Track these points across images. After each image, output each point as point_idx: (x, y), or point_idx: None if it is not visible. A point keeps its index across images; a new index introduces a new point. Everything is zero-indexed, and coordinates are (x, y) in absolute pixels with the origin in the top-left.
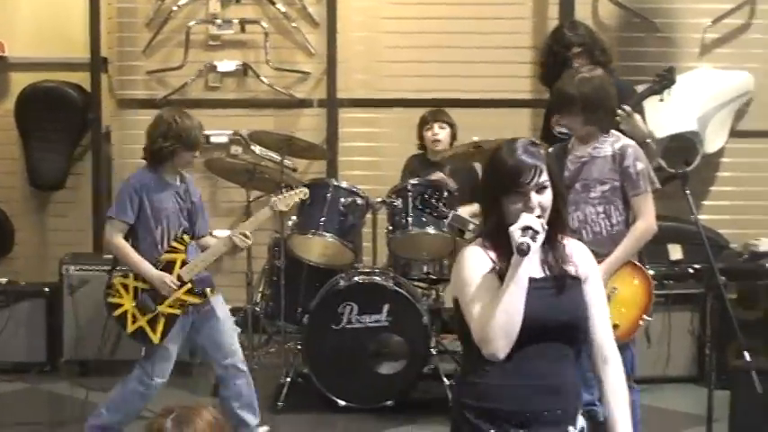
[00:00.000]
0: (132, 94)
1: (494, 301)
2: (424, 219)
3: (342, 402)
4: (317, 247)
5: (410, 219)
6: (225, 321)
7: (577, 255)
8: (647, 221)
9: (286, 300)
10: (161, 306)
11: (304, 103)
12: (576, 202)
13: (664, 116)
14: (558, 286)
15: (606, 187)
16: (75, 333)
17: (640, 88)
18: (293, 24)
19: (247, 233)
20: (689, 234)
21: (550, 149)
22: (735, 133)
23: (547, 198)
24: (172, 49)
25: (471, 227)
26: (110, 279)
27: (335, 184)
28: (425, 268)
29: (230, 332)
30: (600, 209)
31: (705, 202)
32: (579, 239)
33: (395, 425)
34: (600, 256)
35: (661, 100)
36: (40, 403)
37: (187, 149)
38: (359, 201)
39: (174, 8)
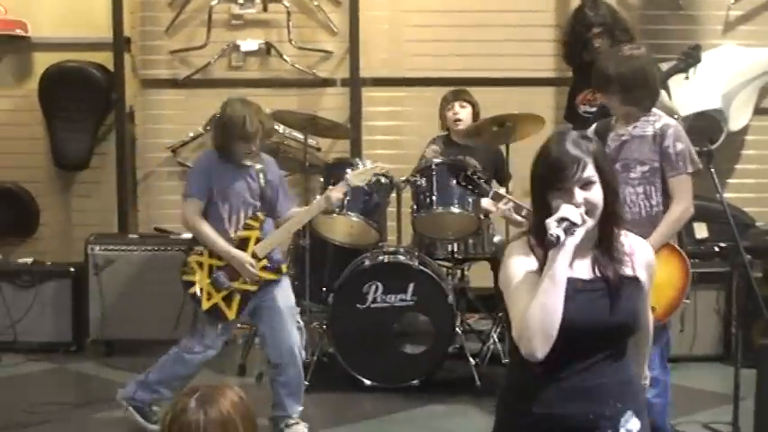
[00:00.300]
0: (155, 73)
1: (532, 298)
2: (448, 197)
3: (367, 382)
4: (342, 227)
5: (434, 198)
6: (285, 310)
7: (637, 252)
8: (683, 204)
9: (311, 279)
10: (236, 283)
11: (327, 83)
12: None
13: (688, 94)
14: (610, 288)
15: (646, 168)
16: (101, 313)
17: (664, 66)
18: (315, 3)
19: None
20: (714, 212)
21: (592, 127)
22: (759, 111)
23: (594, 195)
24: (194, 29)
25: (511, 205)
26: (185, 257)
27: (360, 162)
28: (450, 247)
29: (289, 322)
30: (639, 189)
31: (730, 180)
32: None
33: (421, 404)
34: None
35: (686, 78)
36: (66, 383)
37: (239, 140)
38: (383, 180)
39: None
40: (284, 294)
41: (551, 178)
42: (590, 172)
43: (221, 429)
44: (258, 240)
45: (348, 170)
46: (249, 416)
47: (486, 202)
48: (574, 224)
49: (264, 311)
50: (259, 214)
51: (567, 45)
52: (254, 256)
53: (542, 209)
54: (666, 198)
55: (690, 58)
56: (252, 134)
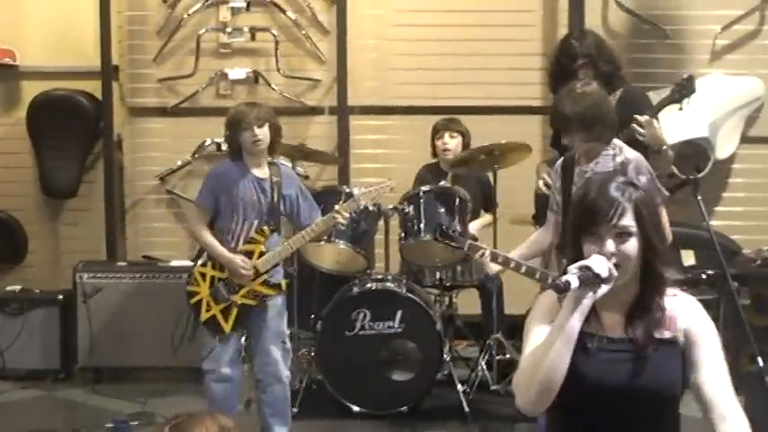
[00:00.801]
0: (143, 102)
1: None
2: (436, 225)
3: (356, 408)
4: (330, 254)
5: (422, 225)
6: (274, 331)
7: (684, 314)
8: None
9: (299, 306)
10: (235, 296)
11: (315, 111)
12: None
13: (675, 122)
14: (639, 350)
15: None
16: (90, 340)
17: (655, 96)
18: (303, 32)
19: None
20: (701, 240)
21: (558, 162)
22: (746, 139)
23: (629, 247)
24: (183, 57)
25: (487, 254)
26: (192, 268)
27: (347, 190)
28: (438, 274)
29: (275, 342)
30: None
31: (717, 208)
32: None
33: (409, 431)
34: None
35: (680, 109)
36: (55, 410)
37: (242, 129)
38: (371, 207)
39: (185, 16)
40: (276, 312)
41: (584, 221)
42: (628, 221)
43: None
44: (261, 254)
45: (354, 190)
46: None
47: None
48: (597, 276)
49: (254, 324)
50: (265, 228)
51: (552, 76)
52: (255, 270)
53: (574, 255)
54: None
55: (684, 89)
56: (254, 120)
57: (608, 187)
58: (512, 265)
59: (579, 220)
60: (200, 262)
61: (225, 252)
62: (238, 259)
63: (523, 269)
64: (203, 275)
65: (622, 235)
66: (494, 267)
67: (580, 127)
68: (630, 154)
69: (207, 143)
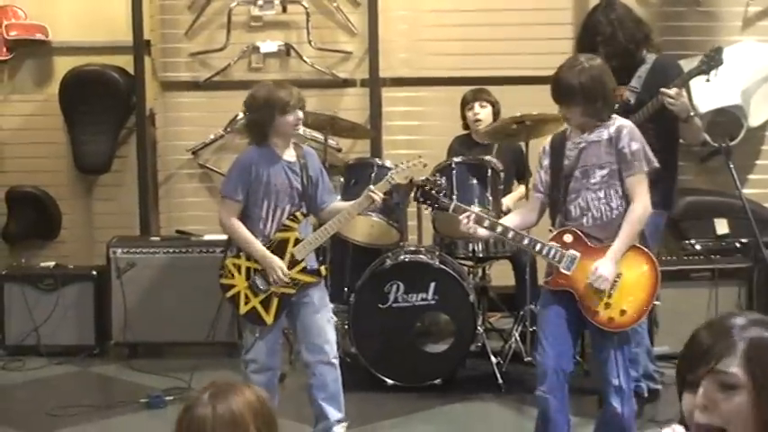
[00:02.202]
0: (175, 76)
1: None
2: (468, 195)
3: (389, 381)
4: (363, 227)
5: (455, 197)
6: (320, 308)
7: None
8: (642, 203)
9: (332, 280)
10: (274, 286)
11: (347, 83)
12: (578, 189)
13: (707, 91)
14: None
15: (605, 171)
16: (124, 316)
17: (686, 65)
18: (335, 4)
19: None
20: (735, 208)
21: (547, 140)
22: None
23: (733, 405)
24: (214, 31)
25: (473, 217)
26: (223, 259)
27: (379, 163)
28: (471, 246)
29: (324, 320)
30: (600, 194)
31: (750, 176)
32: (580, 227)
33: (443, 403)
34: (602, 243)
35: (708, 80)
36: (89, 386)
37: (284, 113)
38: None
39: None
40: (319, 292)
41: (683, 365)
42: (734, 370)
43: (231, 427)
44: (297, 241)
45: (389, 167)
46: (265, 417)
47: (468, 225)
48: None
49: (299, 309)
50: (298, 214)
51: (577, 48)
52: (292, 257)
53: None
54: (626, 201)
55: (712, 61)
56: (297, 103)
57: (723, 320)
58: (498, 230)
59: (679, 362)
60: (230, 253)
61: (265, 252)
62: (278, 263)
63: (510, 234)
64: (237, 267)
65: (726, 388)
66: (480, 231)
67: (582, 100)
68: (625, 122)
69: (239, 117)
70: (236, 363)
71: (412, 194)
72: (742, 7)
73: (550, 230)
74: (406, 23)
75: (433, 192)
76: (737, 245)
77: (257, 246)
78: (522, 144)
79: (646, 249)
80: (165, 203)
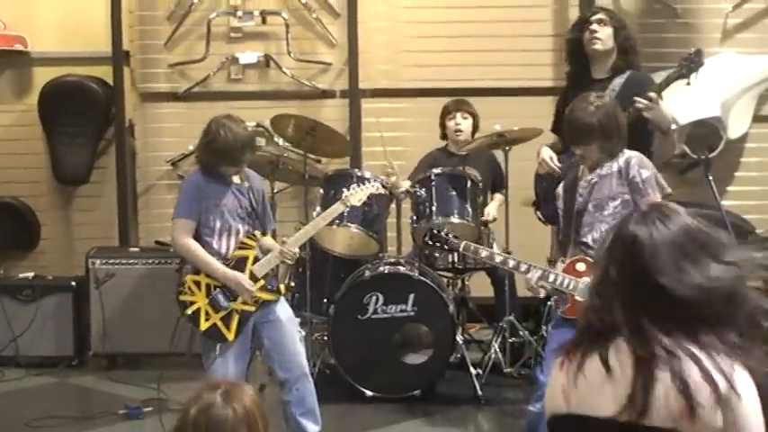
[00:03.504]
0: (155, 87)
1: None
2: (448, 207)
3: (369, 392)
4: (342, 238)
5: (434, 208)
6: (287, 323)
7: None
8: None
9: (312, 291)
10: (234, 303)
11: (326, 94)
12: (591, 222)
13: (686, 102)
14: None
15: (617, 202)
16: (102, 326)
17: (662, 74)
18: (314, 15)
19: (294, 250)
20: (713, 220)
21: (561, 185)
22: (758, 118)
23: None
24: (193, 42)
25: (484, 254)
26: (180, 276)
27: (359, 174)
28: (450, 257)
29: (293, 335)
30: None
31: (729, 188)
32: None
33: (422, 414)
34: None
35: (688, 84)
36: (68, 397)
37: (229, 164)
38: (382, 191)
39: (195, 0)
40: (284, 308)
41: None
42: None
43: (246, 424)
44: (256, 259)
45: (343, 189)
46: (264, 413)
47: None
48: None
49: (267, 327)
50: (256, 233)
51: (568, 42)
52: (252, 275)
53: None
54: None
55: (692, 63)
56: (243, 158)
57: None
58: (510, 265)
59: None
60: (189, 270)
61: (226, 270)
62: (243, 280)
63: (523, 267)
64: (197, 283)
65: None
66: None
67: (600, 137)
68: (633, 153)
69: None
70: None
71: (423, 238)
72: (721, 19)
73: (562, 261)
74: (386, 35)
75: (443, 233)
76: None
77: (217, 265)
78: (501, 154)
79: None
80: (145, 214)
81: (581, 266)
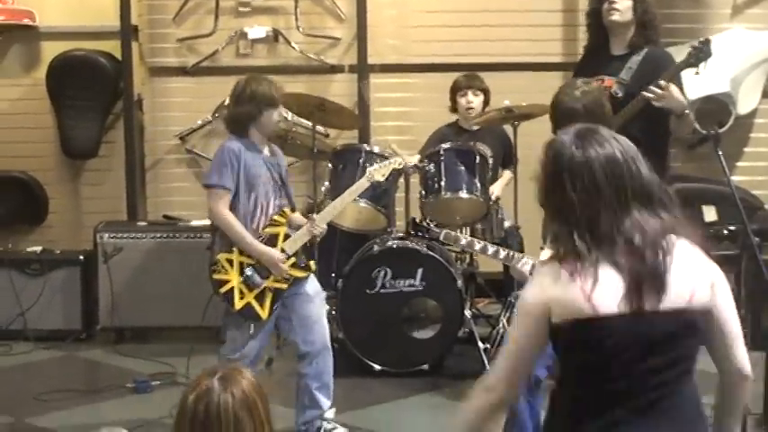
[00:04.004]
0: (163, 61)
1: None
2: (456, 182)
3: (377, 367)
4: (351, 213)
5: (443, 183)
6: (315, 298)
7: None
8: None
9: (320, 265)
10: (267, 281)
11: (335, 69)
12: None
13: (696, 78)
14: None
15: None
16: (110, 300)
17: (672, 50)
18: None
19: (323, 226)
20: (723, 195)
21: None
22: None
23: None
24: (202, 17)
25: (463, 241)
26: (212, 255)
27: (367, 149)
28: (458, 232)
29: (320, 309)
30: None
31: (739, 164)
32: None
33: (430, 389)
34: None
35: (697, 73)
36: (76, 371)
37: (272, 107)
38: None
39: None
40: (312, 283)
41: None
42: None
43: (246, 408)
44: (287, 237)
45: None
46: (264, 396)
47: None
48: None
49: (295, 300)
50: (286, 209)
51: (588, 14)
52: (283, 252)
53: None
54: None
55: (700, 53)
56: (279, 99)
57: None
58: (489, 251)
59: None
60: (220, 248)
61: (261, 246)
62: (279, 256)
63: (501, 255)
64: (230, 262)
65: None
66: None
67: (585, 122)
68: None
69: (227, 102)
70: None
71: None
72: None
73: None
74: (395, 9)
75: (424, 223)
76: (725, 232)
77: (252, 240)
78: (510, 130)
79: None
80: (153, 188)
81: None
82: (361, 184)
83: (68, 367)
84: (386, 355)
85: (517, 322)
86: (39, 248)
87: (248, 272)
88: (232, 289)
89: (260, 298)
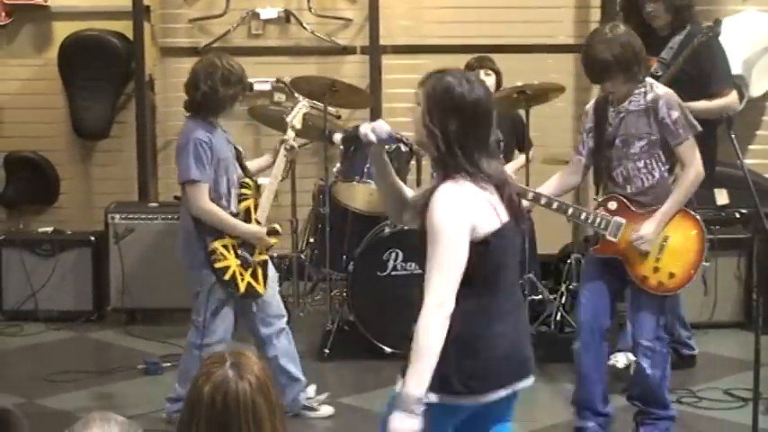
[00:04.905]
0: (175, 42)
1: None
2: None
3: (388, 349)
4: (362, 195)
5: None
6: (271, 280)
7: None
8: (695, 168)
9: (331, 247)
10: (254, 257)
11: (347, 50)
12: (619, 158)
13: None
14: None
15: (644, 142)
16: (122, 281)
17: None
18: None
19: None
20: (735, 178)
21: (590, 104)
22: None
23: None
24: None
25: (530, 195)
26: (206, 246)
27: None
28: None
29: (275, 290)
30: (640, 164)
31: (751, 147)
32: (625, 194)
33: None
34: (646, 209)
35: None
36: (86, 352)
37: (243, 88)
38: (403, 148)
39: None
40: (269, 265)
41: None
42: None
43: (262, 392)
44: (257, 207)
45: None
46: (270, 377)
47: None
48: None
49: None
50: (248, 180)
51: (623, 9)
52: (257, 223)
53: None
54: (670, 164)
55: (711, 32)
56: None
57: None
58: (542, 202)
59: None
60: (211, 237)
61: (250, 227)
62: (262, 230)
63: (555, 205)
64: (226, 247)
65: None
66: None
67: (620, 69)
68: (660, 90)
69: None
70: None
71: None
72: None
73: (595, 199)
74: None
75: None
76: (737, 215)
77: (240, 223)
78: (523, 113)
79: (693, 214)
80: (164, 169)
81: (612, 205)
82: (290, 135)
83: (79, 348)
84: (397, 337)
85: (450, 243)
86: (50, 229)
87: (242, 252)
88: (234, 273)
89: (254, 275)
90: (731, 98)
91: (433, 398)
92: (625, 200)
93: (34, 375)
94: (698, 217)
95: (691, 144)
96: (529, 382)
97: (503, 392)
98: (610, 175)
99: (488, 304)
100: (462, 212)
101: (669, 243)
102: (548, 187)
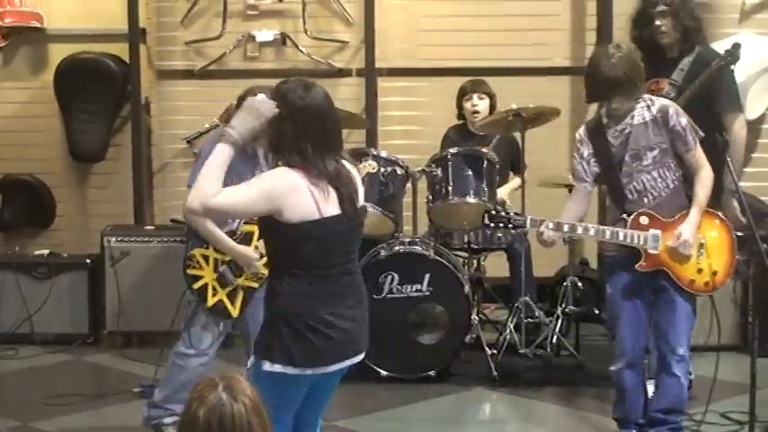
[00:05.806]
0: (171, 64)
1: None
2: (464, 187)
3: (383, 372)
4: None
5: (450, 188)
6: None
7: None
8: (708, 168)
9: None
10: (239, 279)
11: (342, 73)
12: (629, 173)
13: None
14: None
15: (656, 152)
16: (117, 304)
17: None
18: None
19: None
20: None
21: (581, 131)
22: None
23: None
24: (210, 19)
25: (551, 225)
26: (187, 250)
27: (375, 153)
28: (466, 237)
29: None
30: (654, 174)
31: (747, 169)
32: (642, 208)
33: (437, 395)
34: (667, 218)
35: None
36: (82, 375)
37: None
38: (398, 170)
39: None
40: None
41: None
42: None
43: (256, 414)
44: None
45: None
46: (259, 396)
47: (548, 234)
48: None
49: (255, 302)
50: None
51: (633, 24)
52: (257, 250)
53: None
54: (683, 171)
55: (730, 57)
56: None
57: None
58: (579, 231)
59: None
60: (195, 243)
61: (237, 246)
62: (253, 255)
63: (592, 232)
64: (205, 258)
65: None
66: (555, 236)
67: (630, 86)
68: (662, 100)
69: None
70: (228, 353)
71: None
72: (739, 0)
73: (623, 218)
74: (403, 13)
75: (503, 213)
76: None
77: (227, 240)
78: (518, 136)
79: (714, 211)
80: (160, 192)
81: (644, 220)
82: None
83: (75, 371)
84: (392, 360)
85: (256, 188)
86: (46, 252)
87: (223, 269)
88: (206, 285)
89: (232, 296)
90: (741, 124)
91: (278, 368)
92: (653, 213)
93: (30, 398)
94: (719, 213)
95: (699, 148)
96: (357, 359)
97: (331, 368)
98: (622, 193)
99: (314, 286)
100: (276, 187)
101: (706, 243)
102: (568, 219)
